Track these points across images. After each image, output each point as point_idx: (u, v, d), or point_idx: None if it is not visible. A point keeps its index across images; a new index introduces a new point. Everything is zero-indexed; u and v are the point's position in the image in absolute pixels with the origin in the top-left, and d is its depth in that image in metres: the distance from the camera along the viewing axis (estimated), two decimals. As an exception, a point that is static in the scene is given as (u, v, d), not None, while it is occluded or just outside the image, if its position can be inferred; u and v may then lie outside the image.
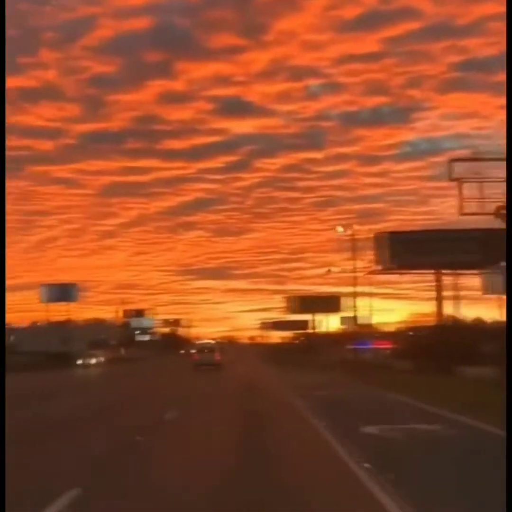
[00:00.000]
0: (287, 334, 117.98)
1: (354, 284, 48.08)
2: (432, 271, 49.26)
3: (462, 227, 44.44)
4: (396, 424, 14.61)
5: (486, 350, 37.13)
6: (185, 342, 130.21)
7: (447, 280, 50.22)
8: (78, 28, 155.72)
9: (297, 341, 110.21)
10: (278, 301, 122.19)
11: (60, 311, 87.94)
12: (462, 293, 53.61)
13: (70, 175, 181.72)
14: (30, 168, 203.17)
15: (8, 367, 37.51)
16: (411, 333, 71.19)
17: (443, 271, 48.15)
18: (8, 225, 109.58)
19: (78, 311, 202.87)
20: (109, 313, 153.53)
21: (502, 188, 30.75)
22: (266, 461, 10.36)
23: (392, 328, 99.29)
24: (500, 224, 31.58)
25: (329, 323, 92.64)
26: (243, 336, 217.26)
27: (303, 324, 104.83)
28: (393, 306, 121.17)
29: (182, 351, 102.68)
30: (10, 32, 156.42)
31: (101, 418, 17.72)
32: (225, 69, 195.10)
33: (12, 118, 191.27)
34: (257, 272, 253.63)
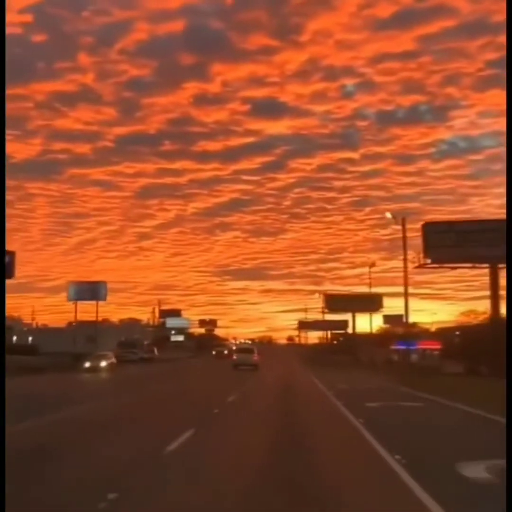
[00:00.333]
0: (326, 334, 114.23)
1: (405, 279, 44.10)
2: (486, 265, 45.14)
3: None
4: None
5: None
6: (220, 343, 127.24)
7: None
8: (114, 32, 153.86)
9: (335, 342, 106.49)
10: (315, 302, 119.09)
11: (93, 312, 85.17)
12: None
13: (107, 178, 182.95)
14: (69, 171, 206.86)
15: (19, 369, 35.01)
16: (457, 332, 66.92)
17: (500, 265, 43.77)
18: (47, 227, 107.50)
19: (115, 312, 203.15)
20: (146, 314, 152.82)
21: None
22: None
23: (432, 328, 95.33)
24: None
25: (369, 323, 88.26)
26: (280, 337, 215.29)
27: (342, 324, 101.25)
28: (429, 307, 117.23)
29: (214, 352, 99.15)
30: (48, 37, 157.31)
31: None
32: (259, 70, 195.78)
33: (51, 122, 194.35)
34: (294, 272, 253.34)
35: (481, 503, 7.55)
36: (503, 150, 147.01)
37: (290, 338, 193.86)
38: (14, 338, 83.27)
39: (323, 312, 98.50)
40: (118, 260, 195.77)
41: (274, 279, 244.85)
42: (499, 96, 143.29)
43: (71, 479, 8.57)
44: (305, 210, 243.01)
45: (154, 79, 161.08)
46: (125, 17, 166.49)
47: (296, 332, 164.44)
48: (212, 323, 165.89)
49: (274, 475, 9.12)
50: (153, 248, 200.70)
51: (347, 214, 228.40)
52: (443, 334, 70.44)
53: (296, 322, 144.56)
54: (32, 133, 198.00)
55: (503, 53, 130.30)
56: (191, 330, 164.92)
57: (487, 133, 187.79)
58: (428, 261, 46.20)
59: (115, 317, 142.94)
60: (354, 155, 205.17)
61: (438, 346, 59.36)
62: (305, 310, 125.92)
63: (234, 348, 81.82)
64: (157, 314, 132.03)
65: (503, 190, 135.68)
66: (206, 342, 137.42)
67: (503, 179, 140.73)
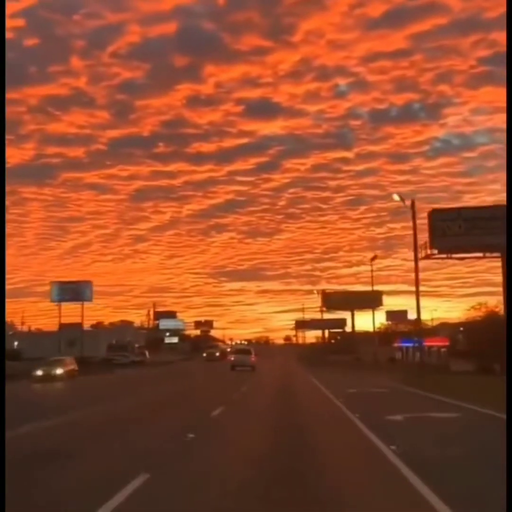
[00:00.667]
0: (323, 333, 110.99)
1: (416, 267, 40.81)
2: (497, 254, 41.79)
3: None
4: None
5: None
6: (211, 344, 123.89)
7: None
8: (107, 35, 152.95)
9: (333, 341, 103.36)
10: (313, 301, 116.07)
11: (86, 315, 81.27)
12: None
13: (102, 181, 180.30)
14: (63, 175, 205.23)
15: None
16: (461, 328, 63.72)
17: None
18: (41, 231, 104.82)
19: (111, 315, 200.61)
20: (141, 316, 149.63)
21: None
22: None
23: (433, 325, 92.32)
24: None
25: (367, 321, 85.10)
26: (277, 337, 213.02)
27: (341, 323, 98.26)
28: (427, 304, 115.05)
29: (205, 354, 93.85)
30: (40, 41, 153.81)
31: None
32: (252, 71, 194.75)
33: (44, 126, 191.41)
34: (290, 272, 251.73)
35: None
36: (496, 146, 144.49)
37: (287, 338, 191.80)
38: (-1, 343, 79.46)
39: (321, 311, 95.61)
40: (113, 263, 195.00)
41: (270, 279, 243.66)
42: (492, 93, 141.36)
43: None
44: (300, 210, 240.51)
45: (147, 81, 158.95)
46: (117, 20, 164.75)
47: (293, 332, 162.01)
48: (208, 324, 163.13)
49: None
50: (149, 250, 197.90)
51: (342, 213, 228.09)
52: (449, 330, 67.31)
53: (293, 322, 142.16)
54: (25, 138, 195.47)
55: (495, 50, 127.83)
56: (187, 332, 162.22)
57: (481, 130, 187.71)
58: (435, 251, 42.85)
59: (110, 321, 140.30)
60: (348, 154, 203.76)
61: (446, 343, 55.98)
62: (302, 309, 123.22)
63: (228, 349, 79.01)
64: (152, 316, 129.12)
65: (497, 186, 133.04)
66: (201, 344, 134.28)
67: (497, 175, 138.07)
